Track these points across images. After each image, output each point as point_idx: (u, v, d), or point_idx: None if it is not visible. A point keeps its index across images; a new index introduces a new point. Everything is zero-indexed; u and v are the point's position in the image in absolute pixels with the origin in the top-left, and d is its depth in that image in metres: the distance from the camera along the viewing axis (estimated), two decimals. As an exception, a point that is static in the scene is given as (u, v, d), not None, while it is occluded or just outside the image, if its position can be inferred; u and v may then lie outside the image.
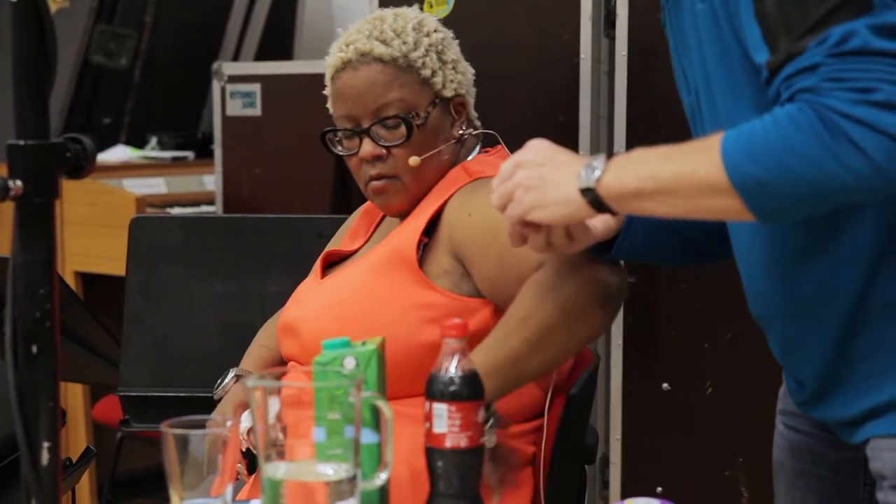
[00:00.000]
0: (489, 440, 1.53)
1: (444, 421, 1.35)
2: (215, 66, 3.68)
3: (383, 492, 1.40)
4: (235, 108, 3.63)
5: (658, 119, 2.67)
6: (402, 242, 1.77)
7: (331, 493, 1.23)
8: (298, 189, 3.50)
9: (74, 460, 2.40)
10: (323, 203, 3.45)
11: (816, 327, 1.41)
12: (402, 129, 1.80)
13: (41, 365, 1.18)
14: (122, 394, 2.66)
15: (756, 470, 2.61)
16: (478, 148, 1.90)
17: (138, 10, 4.42)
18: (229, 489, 1.25)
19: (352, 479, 1.24)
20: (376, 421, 1.37)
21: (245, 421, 1.79)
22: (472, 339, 1.43)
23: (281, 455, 1.25)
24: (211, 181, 3.96)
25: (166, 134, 4.44)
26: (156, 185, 4.06)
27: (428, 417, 1.36)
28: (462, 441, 1.35)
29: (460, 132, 1.86)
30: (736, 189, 1.23)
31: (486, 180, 1.77)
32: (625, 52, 2.72)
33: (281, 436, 1.25)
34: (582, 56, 2.76)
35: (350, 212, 2.09)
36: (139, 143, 4.45)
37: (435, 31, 1.85)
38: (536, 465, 1.77)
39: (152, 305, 2.71)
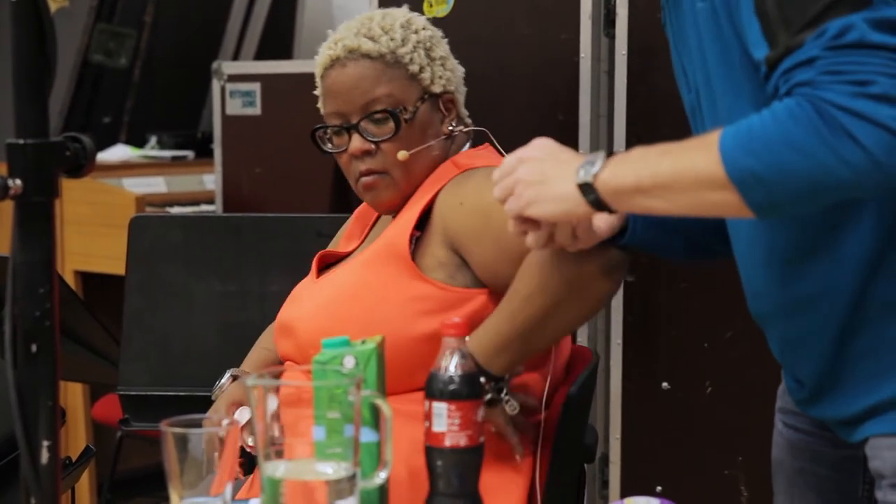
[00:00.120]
0: (511, 407, 1.61)
1: (444, 420, 1.35)
2: (215, 65, 3.68)
3: (383, 491, 1.40)
4: (235, 108, 3.63)
5: (658, 118, 2.67)
6: (394, 237, 1.78)
7: (330, 491, 1.23)
8: (298, 188, 3.50)
9: (74, 459, 2.40)
10: (323, 202, 3.45)
11: (816, 326, 1.41)
12: (391, 123, 1.81)
13: (41, 364, 1.18)
14: (121, 393, 2.66)
15: (755, 469, 2.61)
16: (468, 145, 1.91)
17: (138, 10, 4.43)
18: (229, 488, 1.25)
19: (351, 478, 1.24)
20: (376, 420, 1.37)
21: (239, 415, 1.80)
22: (469, 330, 1.44)
23: (280, 454, 1.25)
24: (211, 180, 3.96)
25: (166, 133, 4.44)
26: (155, 185, 4.06)
27: (427, 416, 1.36)
28: (461, 440, 1.35)
29: (450, 128, 1.87)
30: (733, 183, 1.23)
31: (475, 171, 1.78)
32: (624, 52, 2.72)
33: (279, 434, 1.25)
34: (582, 55, 2.76)
35: (350, 211, 2.09)
36: (139, 143, 4.45)
37: (423, 28, 1.87)
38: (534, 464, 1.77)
39: (152, 305, 2.71)
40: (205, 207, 3.97)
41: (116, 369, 2.69)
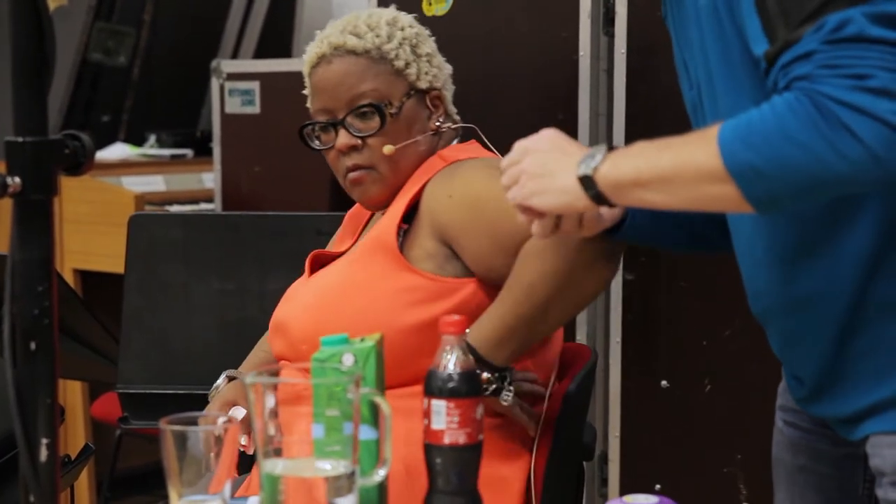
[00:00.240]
0: (504, 399, 1.66)
1: (443, 417, 1.35)
2: (214, 63, 3.68)
3: (382, 488, 1.40)
4: (234, 106, 3.63)
5: (657, 116, 2.67)
6: (381, 231, 1.79)
7: (329, 488, 1.23)
8: (297, 186, 3.50)
9: (73, 457, 2.40)
10: (322, 200, 3.45)
11: (816, 325, 1.41)
12: (376, 118, 1.82)
13: (40, 362, 1.18)
14: (120, 391, 2.66)
15: (754, 467, 2.61)
16: (456, 141, 1.92)
17: (137, 8, 4.43)
18: (228, 486, 1.25)
19: (350, 475, 1.25)
20: (375, 417, 1.37)
21: (233, 414, 1.80)
22: (465, 323, 1.45)
23: (278, 452, 1.25)
24: (210, 179, 3.96)
25: (165, 132, 4.44)
26: (154, 183, 4.06)
27: (426, 414, 1.36)
28: (460, 438, 1.35)
29: (437, 124, 1.88)
30: (732, 176, 1.23)
31: (462, 162, 1.79)
32: (624, 50, 2.72)
33: (276, 433, 1.25)
34: (581, 53, 2.76)
35: (348, 209, 2.09)
36: (138, 141, 4.45)
37: (409, 26, 1.89)
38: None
39: (151, 303, 2.71)
40: (204, 206, 3.98)
41: (115, 367, 2.69)
